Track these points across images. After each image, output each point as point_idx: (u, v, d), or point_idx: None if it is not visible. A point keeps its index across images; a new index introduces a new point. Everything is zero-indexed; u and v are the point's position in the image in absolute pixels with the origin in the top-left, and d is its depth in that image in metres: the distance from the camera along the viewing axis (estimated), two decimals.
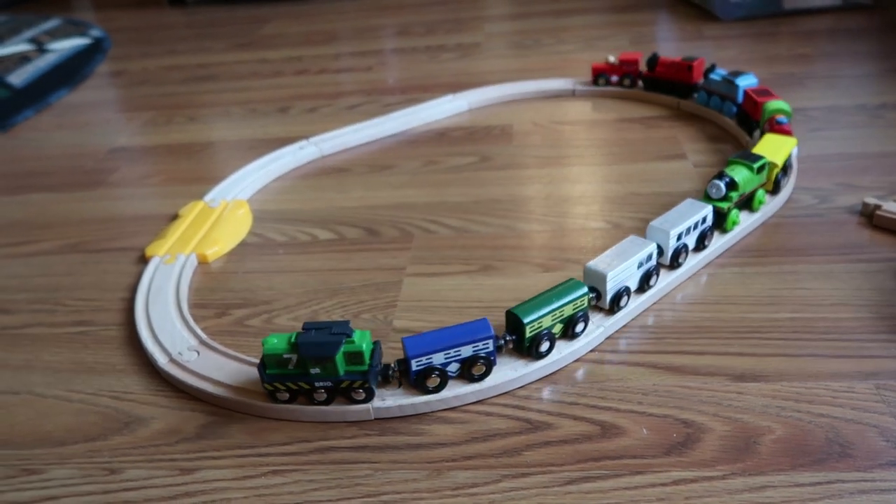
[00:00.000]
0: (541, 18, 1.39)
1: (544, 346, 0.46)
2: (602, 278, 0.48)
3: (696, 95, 0.85)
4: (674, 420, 0.42)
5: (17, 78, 1.24)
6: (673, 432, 0.41)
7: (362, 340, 0.43)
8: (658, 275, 0.52)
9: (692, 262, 0.55)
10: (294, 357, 0.42)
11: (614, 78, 0.93)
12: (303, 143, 0.85)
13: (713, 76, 0.82)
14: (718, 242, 0.57)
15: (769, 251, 0.58)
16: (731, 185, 0.57)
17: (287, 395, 0.44)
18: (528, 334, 0.45)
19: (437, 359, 0.44)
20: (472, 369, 0.44)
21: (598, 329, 0.49)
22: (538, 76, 1.02)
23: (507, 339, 0.46)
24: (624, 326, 0.51)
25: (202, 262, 0.64)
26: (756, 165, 0.58)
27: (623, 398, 0.44)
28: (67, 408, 0.48)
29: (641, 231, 0.59)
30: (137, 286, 0.59)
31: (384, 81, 1.09)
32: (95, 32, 1.55)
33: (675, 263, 0.54)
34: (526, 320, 0.45)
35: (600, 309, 0.50)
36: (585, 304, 0.48)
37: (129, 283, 0.62)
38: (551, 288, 0.47)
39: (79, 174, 0.86)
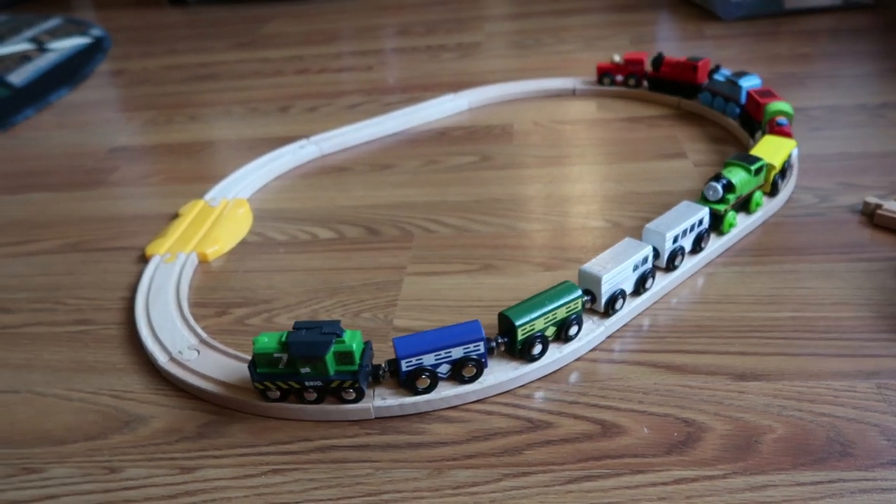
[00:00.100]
0: (541, 18, 1.39)
1: (537, 349, 0.46)
2: (597, 281, 0.48)
3: (700, 96, 0.84)
4: (675, 419, 0.42)
5: (18, 77, 1.24)
6: (674, 431, 0.41)
7: (352, 340, 0.42)
8: (654, 277, 0.52)
9: (689, 264, 0.55)
10: (284, 356, 0.42)
11: (619, 78, 0.93)
12: (303, 142, 0.85)
13: (717, 77, 0.82)
14: (715, 245, 0.57)
15: (770, 250, 0.58)
16: (728, 187, 0.56)
17: (278, 393, 0.44)
18: (520, 337, 0.45)
19: (428, 360, 0.44)
20: (462, 371, 0.44)
21: (599, 328, 0.49)
22: (538, 76, 1.02)
23: (499, 341, 0.46)
24: (625, 325, 0.51)
25: (202, 261, 0.64)
26: (753, 167, 0.58)
27: (624, 397, 0.44)
28: (67, 406, 0.48)
29: (642, 230, 0.59)
30: (138, 285, 0.59)
31: (385, 81, 1.09)
32: (96, 32, 1.55)
33: (671, 266, 0.53)
34: (518, 323, 0.44)
35: (595, 312, 0.50)
36: (579, 308, 0.47)
37: (129, 282, 0.62)
38: (545, 290, 0.47)
39: (79, 173, 0.86)
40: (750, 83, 0.77)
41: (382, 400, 0.44)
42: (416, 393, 0.44)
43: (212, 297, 0.59)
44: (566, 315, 0.47)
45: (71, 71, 1.27)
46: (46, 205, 0.78)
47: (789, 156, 0.64)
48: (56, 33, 1.55)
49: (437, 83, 1.05)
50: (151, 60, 1.34)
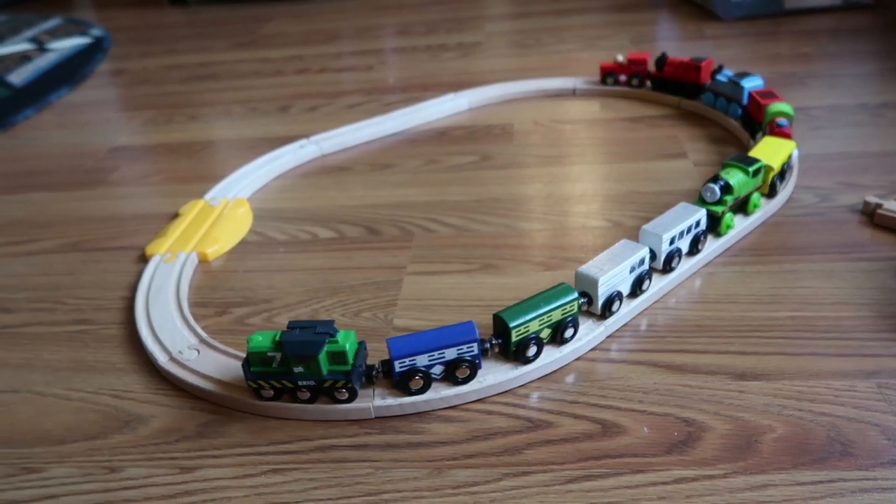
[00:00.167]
0: (541, 18, 1.39)
1: (531, 351, 0.46)
2: (594, 283, 0.47)
3: (703, 96, 0.84)
4: (675, 419, 0.42)
5: (18, 77, 1.24)
6: (674, 431, 0.41)
7: (346, 340, 0.42)
8: (651, 279, 0.52)
9: (686, 265, 0.55)
10: (278, 355, 0.42)
11: (622, 77, 0.93)
12: (303, 141, 0.85)
13: (720, 77, 0.82)
14: (713, 246, 0.57)
15: (770, 250, 0.57)
16: (726, 188, 0.56)
17: (271, 392, 0.44)
18: (514, 338, 0.45)
19: (421, 361, 0.43)
20: (456, 372, 0.44)
21: (598, 328, 0.48)
22: (538, 75, 1.02)
23: (494, 342, 0.46)
24: (625, 325, 0.51)
25: (202, 261, 0.64)
26: (752, 169, 0.57)
27: (624, 397, 0.44)
28: (67, 406, 0.48)
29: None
30: (138, 285, 0.59)
31: (385, 80, 1.09)
32: (96, 31, 1.55)
33: (668, 268, 0.53)
34: (512, 324, 0.44)
35: (592, 314, 0.50)
36: (575, 310, 0.47)
37: (129, 282, 0.62)
38: (540, 292, 0.47)
39: (79, 173, 0.86)
40: (752, 84, 0.77)
41: (382, 399, 0.44)
42: (410, 394, 0.44)
43: (212, 297, 0.59)
44: (562, 317, 0.46)
45: (71, 71, 1.27)
46: (46, 204, 0.78)
47: (788, 157, 0.64)
48: (56, 33, 1.55)
49: (438, 83, 1.05)
50: (151, 60, 1.34)
